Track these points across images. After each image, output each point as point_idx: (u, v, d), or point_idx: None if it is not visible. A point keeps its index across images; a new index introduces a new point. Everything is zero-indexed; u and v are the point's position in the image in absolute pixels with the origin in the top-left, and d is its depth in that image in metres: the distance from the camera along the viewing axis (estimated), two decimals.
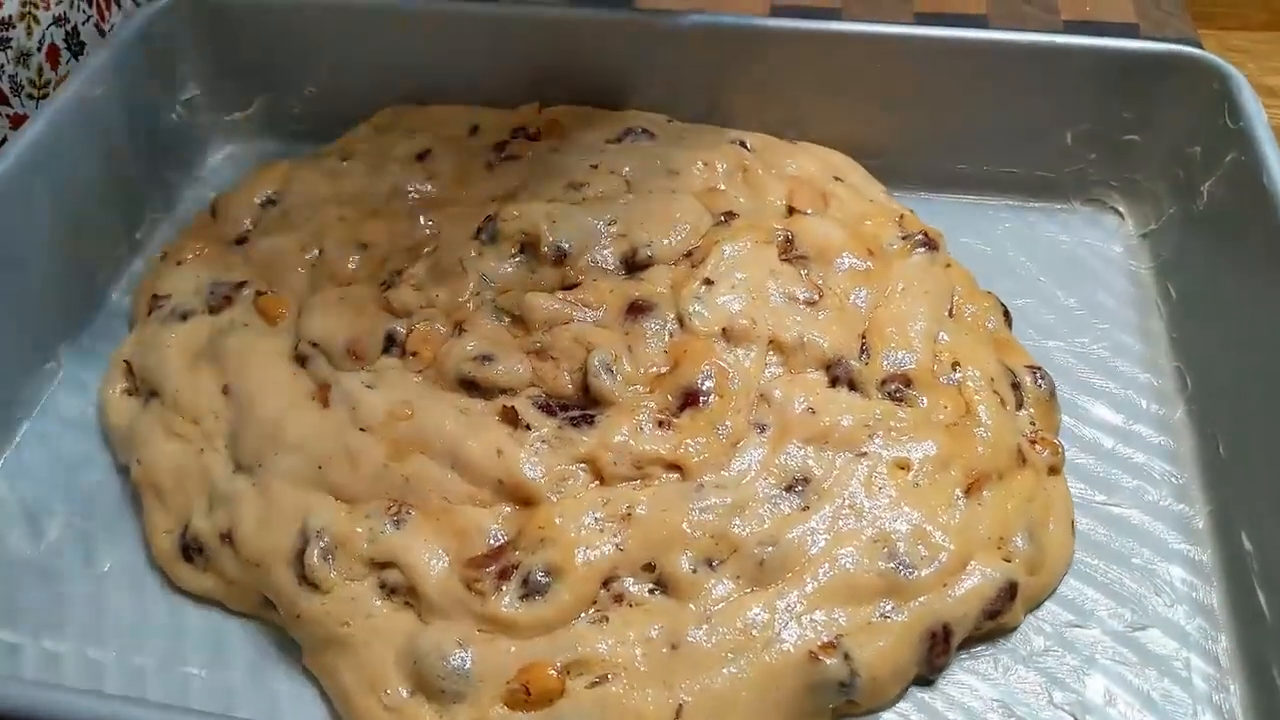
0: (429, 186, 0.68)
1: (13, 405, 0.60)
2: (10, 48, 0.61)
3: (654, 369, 0.55)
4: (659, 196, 0.63)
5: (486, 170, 0.68)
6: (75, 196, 0.63)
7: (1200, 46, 0.78)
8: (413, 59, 0.71)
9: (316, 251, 0.64)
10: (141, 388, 0.60)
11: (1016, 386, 0.57)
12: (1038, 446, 0.55)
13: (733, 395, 0.54)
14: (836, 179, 0.67)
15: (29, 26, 0.62)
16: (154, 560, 0.54)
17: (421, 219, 0.64)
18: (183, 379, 0.59)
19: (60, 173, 0.61)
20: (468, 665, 0.47)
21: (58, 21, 0.64)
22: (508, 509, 0.51)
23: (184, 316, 0.62)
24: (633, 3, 0.86)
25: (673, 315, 0.56)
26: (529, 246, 0.60)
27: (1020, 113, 0.66)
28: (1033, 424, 0.56)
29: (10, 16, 0.60)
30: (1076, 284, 0.64)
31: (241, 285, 0.63)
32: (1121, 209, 0.68)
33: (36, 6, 0.62)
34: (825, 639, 0.47)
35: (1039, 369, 0.58)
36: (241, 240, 0.66)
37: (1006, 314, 0.61)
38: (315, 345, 0.58)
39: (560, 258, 0.59)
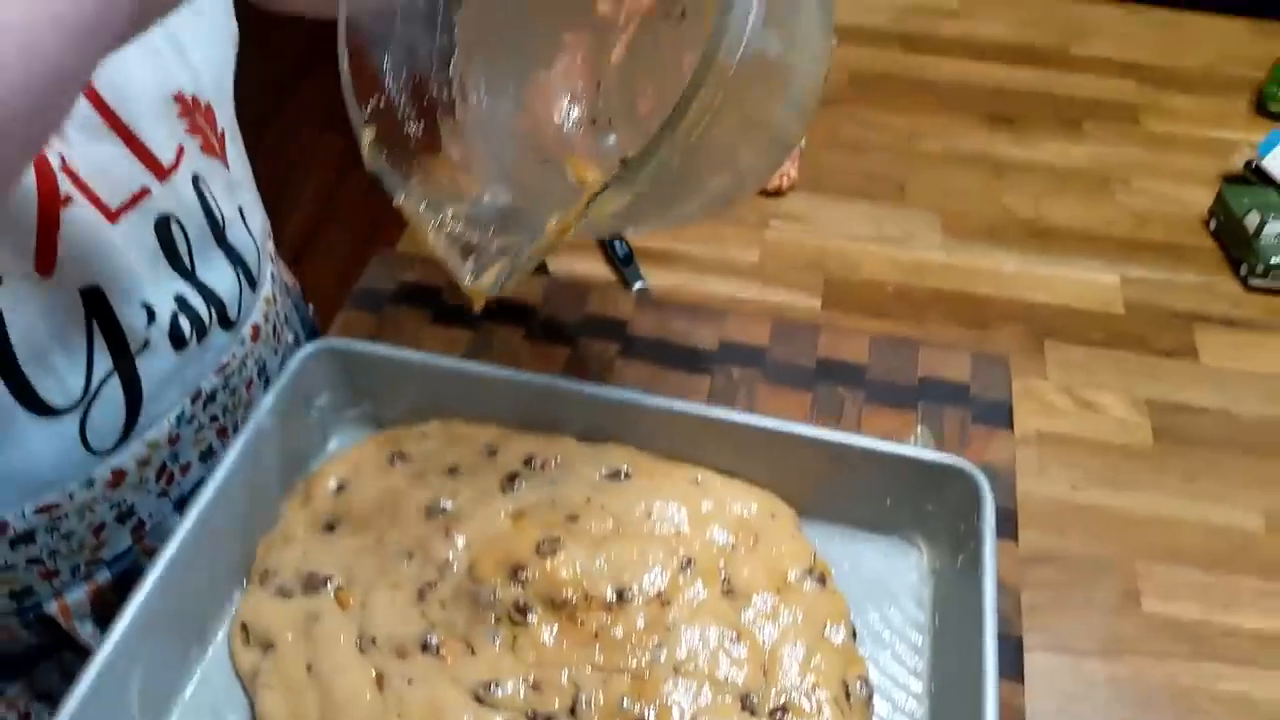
0: (453, 503, 0.84)
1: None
2: (59, 530, 0.85)
3: (623, 701, 0.74)
4: (639, 541, 0.82)
5: (500, 493, 0.85)
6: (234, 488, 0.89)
7: (1009, 392, 1.08)
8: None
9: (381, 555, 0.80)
10: (254, 643, 0.79)
11: (848, 695, 0.78)
12: None
13: None
14: (772, 515, 0.88)
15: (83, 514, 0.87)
16: None
17: (451, 536, 0.81)
18: (284, 648, 0.77)
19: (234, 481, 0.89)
20: None
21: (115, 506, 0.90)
22: None
23: (286, 594, 0.80)
24: (640, 281, 1.23)
25: (639, 659, 0.75)
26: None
27: (850, 482, 0.97)
28: None
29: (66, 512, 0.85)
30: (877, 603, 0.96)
31: (328, 579, 0.81)
32: (922, 548, 1.00)
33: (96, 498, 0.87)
34: None
35: (863, 678, 0.80)
36: (331, 527, 0.85)
37: (854, 632, 0.83)
38: (373, 639, 0.76)
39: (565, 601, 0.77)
